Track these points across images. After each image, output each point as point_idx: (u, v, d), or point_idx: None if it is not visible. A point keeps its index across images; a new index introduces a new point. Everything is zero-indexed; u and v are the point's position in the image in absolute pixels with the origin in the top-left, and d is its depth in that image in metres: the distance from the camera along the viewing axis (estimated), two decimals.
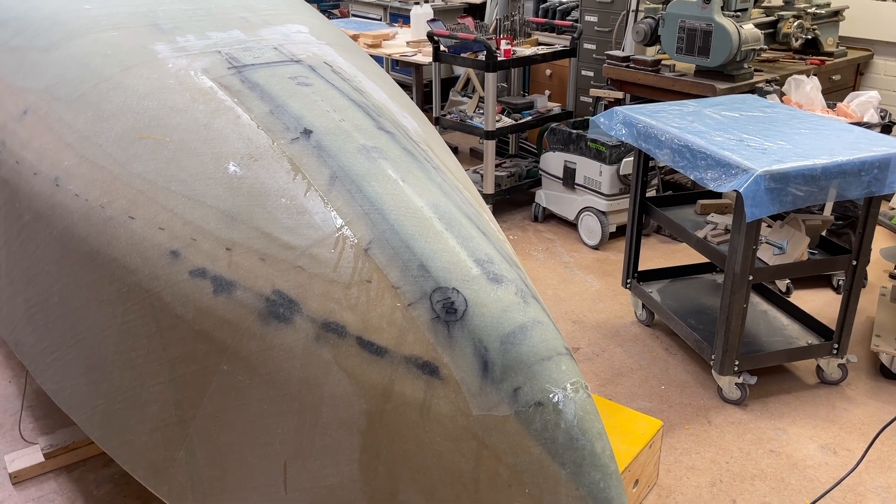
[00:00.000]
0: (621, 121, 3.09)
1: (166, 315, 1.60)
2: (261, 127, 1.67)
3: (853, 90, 4.84)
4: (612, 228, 4.18)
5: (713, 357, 2.85)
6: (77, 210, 1.76)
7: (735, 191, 2.46)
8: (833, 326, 3.00)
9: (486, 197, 4.43)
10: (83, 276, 1.78)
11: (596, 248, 4.21)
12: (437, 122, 4.70)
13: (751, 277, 2.68)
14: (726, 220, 3.15)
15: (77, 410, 1.95)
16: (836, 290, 3.73)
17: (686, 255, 4.09)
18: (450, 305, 1.34)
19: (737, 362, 2.81)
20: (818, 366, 3.01)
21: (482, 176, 4.49)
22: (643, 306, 3.45)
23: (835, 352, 2.92)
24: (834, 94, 4.55)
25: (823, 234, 3.00)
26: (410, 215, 1.46)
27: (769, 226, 3.02)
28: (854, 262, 2.77)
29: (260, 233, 1.51)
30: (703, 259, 3.73)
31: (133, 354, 1.71)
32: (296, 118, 1.68)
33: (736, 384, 2.86)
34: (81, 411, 1.93)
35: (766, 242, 2.87)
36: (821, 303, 3.62)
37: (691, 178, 2.68)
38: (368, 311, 1.38)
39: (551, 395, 1.27)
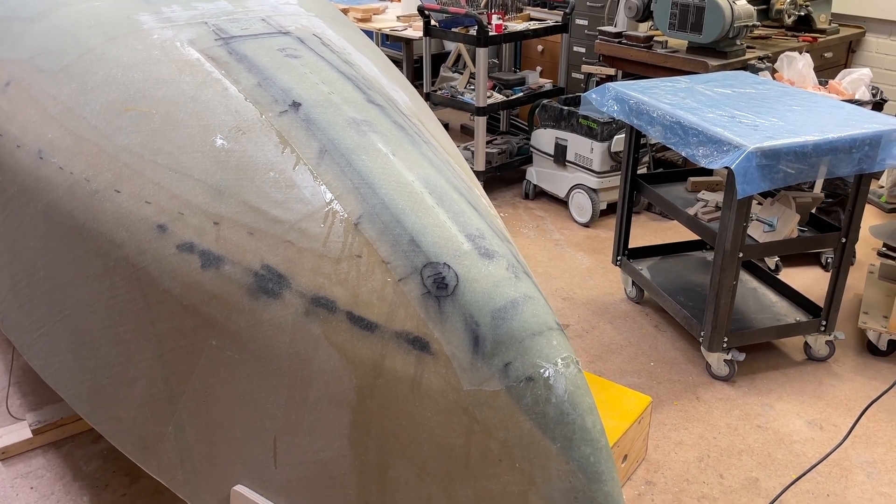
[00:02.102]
0: (613, 97, 3.07)
1: (153, 290, 1.58)
2: (249, 99, 1.64)
3: (845, 67, 4.83)
4: (603, 206, 4.17)
5: (702, 334, 2.86)
6: (61, 183, 1.73)
7: (726, 168, 2.46)
8: (821, 303, 3.01)
9: (476, 174, 4.41)
10: (69, 250, 1.76)
11: (586, 225, 4.21)
12: (427, 97, 4.66)
13: (741, 255, 2.68)
14: (717, 197, 3.14)
15: (64, 386, 1.94)
16: (825, 267, 3.75)
17: (676, 233, 4.10)
18: (441, 280, 1.33)
19: (726, 339, 2.82)
20: (806, 342, 3.03)
21: (473, 153, 4.46)
22: (633, 283, 3.46)
23: (823, 329, 2.93)
24: (826, 71, 4.54)
25: (813, 211, 3.00)
26: (401, 190, 1.44)
27: (759, 203, 3.02)
28: (843, 240, 2.78)
29: (248, 207, 1.49)
30: (693, 236, 3.74)
31: (120, 330, 1.69)
32: (284, 91, 1.65)
33: (724, 361, 2.88)
34: (69, 387, 1.92)
35: (757, 220, 2.87)
36: (810, 280, 3.64)
37: (683, 154, 2.67)
38: (359, 285, 1.37)
39: (542, 371, 1.26)
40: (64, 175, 1.72)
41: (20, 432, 2.54)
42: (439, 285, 1.33)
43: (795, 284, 3.45)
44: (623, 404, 2.40)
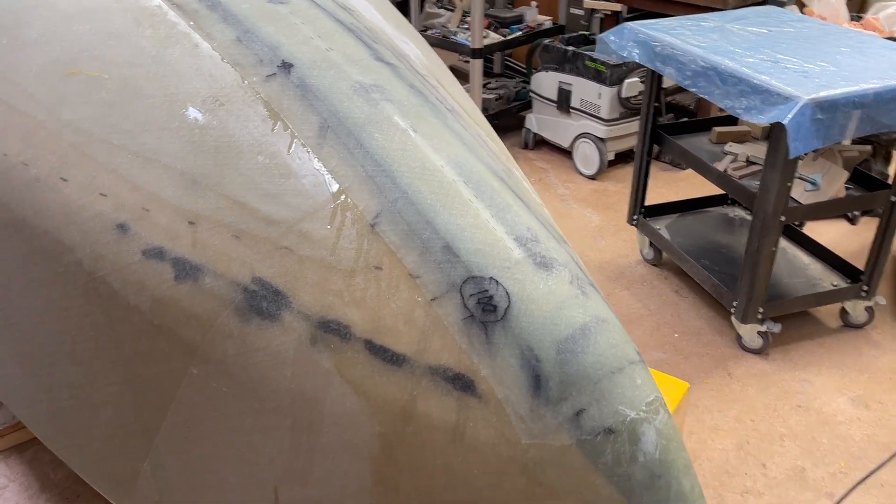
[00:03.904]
0: (634, 39, 2.72)
1: (116, 305, 1.26)
2: (226, 59, 1.30)
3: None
4: (611, 156, 3.86)
5: (735, 304, 2.61)
6: None
7: (775, 122, 2.15)
8: (853, 262, 2.77)
9: None
10: (7, 248, 1.43)
11: (593, 178, 3.90)
12: None
13: (783, 218, 2.40)
14: (745, 149, 2.85)
15: (16, 403, 1.63)
16: (851, 220, 3.49)
17: (690, 184, 3.81)
18: (487, 301, 1.03)
19: (761, 310, 2.57)
20: (843, 308, 2.79)
21: None
22: (650, 244, 3.18)
23: (864, 294, 2.69)
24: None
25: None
26: (428, 179, 1.12)
27: (800, 158, 2.72)
28: (893, 199, 2.50)
29: (232, 202, 1.17)
30: (713, 190, 3.44)
31: (78, 347, 1.38)
32: (271, 47, 1.31)
33: (758, 332, 2.63)
34: (22, 405, 1.61)
35: (798, 178, 2.58)
36: (836, 235, 3.39)
37: (720, 105, 2.36)
38: (380, 306, 1.07)
39: (625, 420, 0.98)
40: None
41: None
42: (485, 307, 1.03)
43: (821, 240, 3.19)
44: None
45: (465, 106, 1.45)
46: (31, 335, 1.47)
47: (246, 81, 1.26)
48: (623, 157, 3.95)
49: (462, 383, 1.03)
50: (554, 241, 1.11)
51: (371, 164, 1.14)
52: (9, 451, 2.26)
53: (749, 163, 2.77)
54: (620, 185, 3.84)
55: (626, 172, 3.94)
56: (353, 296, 1.08)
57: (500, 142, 1.48)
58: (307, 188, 1.14)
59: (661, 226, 3.14)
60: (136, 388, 1.32)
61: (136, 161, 1.24)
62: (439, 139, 1.19)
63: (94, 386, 1.39)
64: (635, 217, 3.15)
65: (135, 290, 1.23)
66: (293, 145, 1.18)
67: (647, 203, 3.18)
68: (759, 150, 2.77)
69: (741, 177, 2.69)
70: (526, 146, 4.23)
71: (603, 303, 1.07)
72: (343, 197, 1.13)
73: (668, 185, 3.83)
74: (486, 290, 1.03)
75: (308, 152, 1.17)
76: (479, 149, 1.23)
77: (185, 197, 1.19)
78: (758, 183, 2.48)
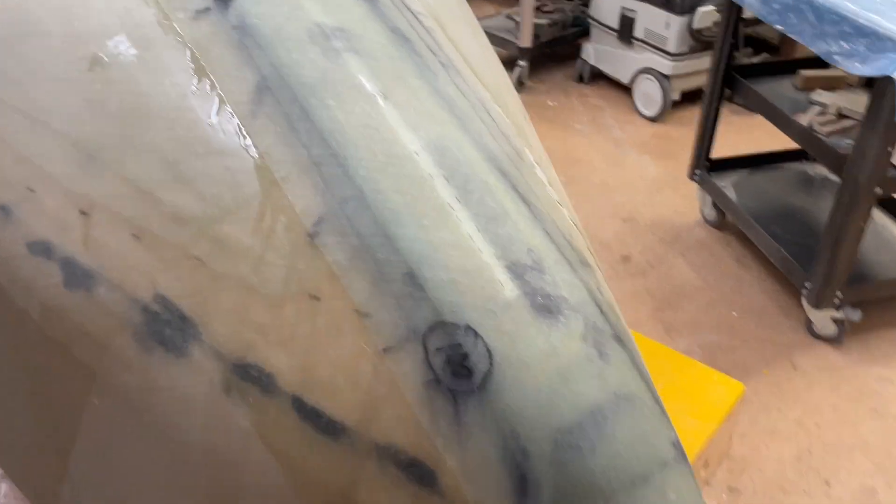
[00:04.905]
0: None
1: (8, 305, 0.99)
2: None
3: None
4: (676, 96, 3.41)
5: (807, 285, 2.22)
6: None
7: (880, 76, 1.73)
8: None
9: (521, 51, 3.64)
10: None
11: (654, 119, 3.46)
12: None
13: (878, 190, 1.99)
14: (838, 99, 2.40)
15: None
16: None
17: (766, 133, 3.32)
18: (460, 360, 0.72)
19: (839, 294, 2.18)
20: None
21: (518, 24, 3.67)
22: (713, 204, 2.78)
23: None
24: None
25: None
26: (394, 170, 0.80)
27: None
28: None
29: (133, 188, 0.87)
30: (792, 142, 2.99)
31: None
32: None
33: (833, 319, 2.25)
34: None
35: None
36: None
37: (812, 49, 1.93)
38: (314, 352, 0.77)
39: None
40: None
41: None
42: (456, 369, 0.72)
43: None
44: (709, 395, 1.81)
45: (471, 57, 1.09)
46: None
47: (169, 20, 0.94)
48: (690, 97, 3.50)
49: (419, 473, 0.73)
50: (566, 267, 0.78)
51: (318, 144, 0.82)
52: None
53: (841, 116, 2.33)
54: (685, 130, 3.39)
55: (693, 115, 3.47)
56: (280, 334, 0.78)
57: (519, 105, 1.13)
58: (229, 175, 0.83)
59: (727, 183, 2.73)
60: (41, 404, 1.07)
61: (24, 123, 0.94)
62: (419, 110, 0.86)
63: (7, 388, 1.15)
64: (697, 172, 2.74)
65: (23, 291, 0.95)
66: (219, 112, 0.86)
67: (713, 155, 2.77)
68: (854, 102, 2.33)
69: (829, 133, 2.25)
70: (581, 79, 3.79)
71: (630, 368, 0.74)
72: (276, 191, 0.81)
73: (740, 133, 3.37)
74: (460, 345, 0.72)
75: (236, 123, 0.85)
76: (476, 123, 0.89)
77: (77, 176, 0.89)
78: (849, 142, 2.06)
